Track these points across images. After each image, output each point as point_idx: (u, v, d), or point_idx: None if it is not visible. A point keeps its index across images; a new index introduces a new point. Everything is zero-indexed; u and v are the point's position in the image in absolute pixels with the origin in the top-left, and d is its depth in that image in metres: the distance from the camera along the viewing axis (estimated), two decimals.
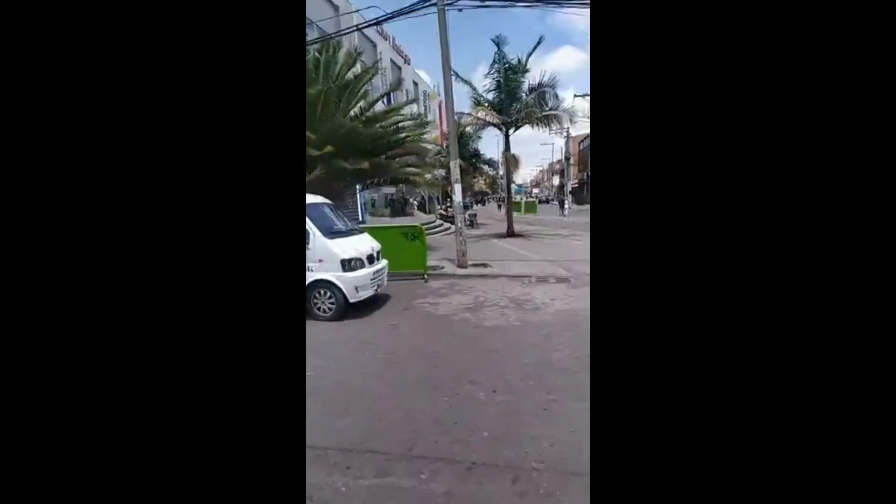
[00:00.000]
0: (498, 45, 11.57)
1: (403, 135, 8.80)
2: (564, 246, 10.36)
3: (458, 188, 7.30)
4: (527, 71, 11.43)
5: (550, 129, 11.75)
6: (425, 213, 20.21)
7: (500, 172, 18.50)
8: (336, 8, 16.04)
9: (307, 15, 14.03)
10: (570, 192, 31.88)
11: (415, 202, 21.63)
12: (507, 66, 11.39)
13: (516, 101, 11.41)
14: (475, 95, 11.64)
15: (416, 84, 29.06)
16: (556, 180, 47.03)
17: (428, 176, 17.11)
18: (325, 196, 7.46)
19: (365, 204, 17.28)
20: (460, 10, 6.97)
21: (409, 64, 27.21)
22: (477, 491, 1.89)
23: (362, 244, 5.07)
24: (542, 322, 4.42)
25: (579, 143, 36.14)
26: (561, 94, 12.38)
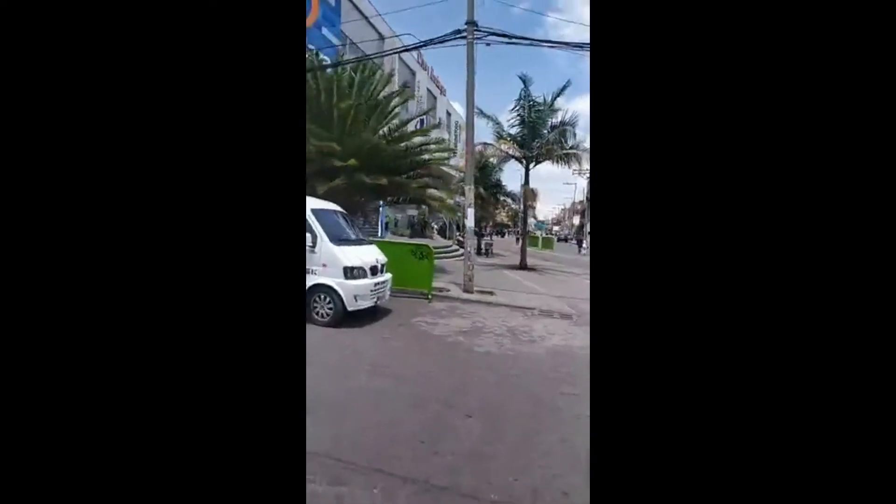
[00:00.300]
0: (524, 81, 11.93)
1: (426, 157, 9.00)
2: (575, 284, 10.18)
3: (470, 213, 7.36)
4: (555, 110, 11.67)
5: (570, 167, 11.86)
6: (444, 237, 20.36)
7: (530, 207, 18.64)
8: (381, 35, 16.92)
9: (350, 36, 14.85)
10: (588, 233, 31.69)
11: (435, 226, 21.86)
12: (531, 103, 11.67)
13: (538, 138, 11.59)
14: (498, 129, 11.91)
15: (448, 114, 29.96)
16: (576, 220, 46.90)
17: (450, 202, 17.39)
18: (345, 207, 7.67)
19: (387, 222, 17.57)
20: (488, 44, 7.25)
21: (444, 95, 28.20)
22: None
23: (367, 255, 5.13)
24: (534, 355, 4.31)
25: None
26: (582, 135, 12.57)
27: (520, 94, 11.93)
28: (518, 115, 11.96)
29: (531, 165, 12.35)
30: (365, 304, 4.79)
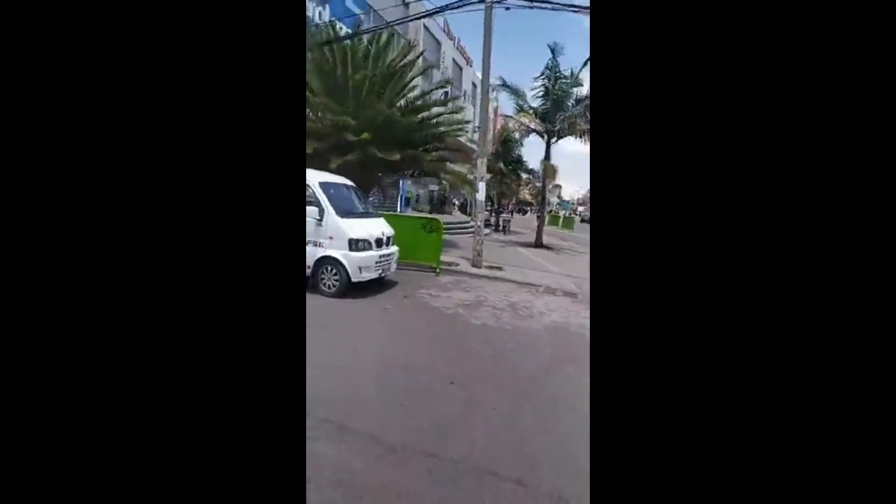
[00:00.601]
0: (553, 51, 11.46)
1: (441, 129, 8.93)
2: (587, 263, 10.06)
3: (481, 186, 7.34)
4: (579, 84, 11.23)
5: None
6: (465, 213, 20.34)
7: (549, 183, 18.25)
8: (404, 1, 16.49)
9: (373, 4, 14.55)
10: None
11: (456, 202, 21.80)
12: (557, 74, 11.24)
13: (562, 111, 11.23)
14: (519, 102, 11.58)
15: (474, 86, 29.14)
16: None
17: (471, 176, 17.24)
18: (359, 181, 7.78)
19: (408, 197, 17.66)
20: (507, 8, 6.99)
21: (470, 66, 27.40)
22: (384, 473, 1.91)
23: (374, 227, 5.26)
24: (529, 329, 4.40)
25: None
26: None
27: (546, 65, 11.52)
28: (542, 86, 11.59)
29: (553, 140, 12.03)
30: (369, 275, 4.96)
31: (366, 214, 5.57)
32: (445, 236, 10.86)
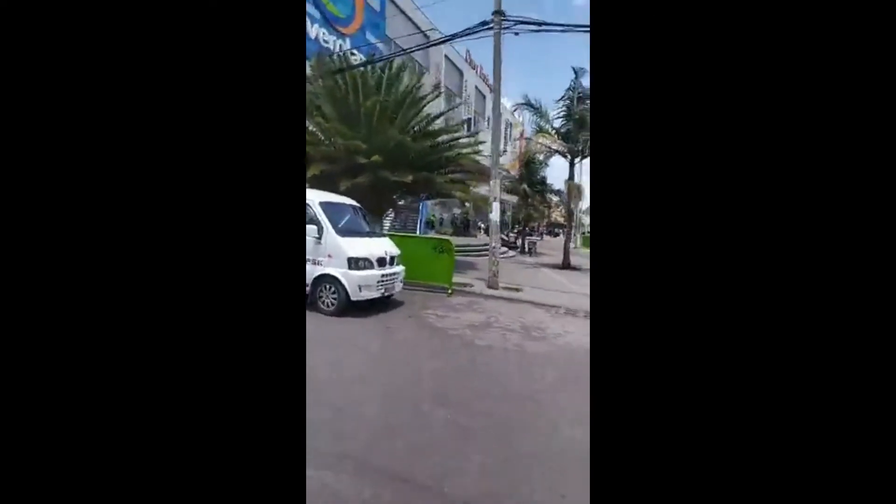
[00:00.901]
0: (576, 73, 11.36)
1: (455, 152, 8.89)
2: None
3: (496, 206, 7.12)
4: None
5: None
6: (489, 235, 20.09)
7: (574, 204, 17.78)
8: (424, 33, 17.10)
9: (389, 33, 15.18)
10: None
11: (481, 224, 21.63)
12: (580, 94, 11.07)
13: (584, 131, 10.97)
14: (539, 122, 11.47)
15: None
16: None
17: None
18: (371, 204, 7.79)
19: (431, 220, 17.70)
20: (516, 33, 6.98)
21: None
22: (344, 488, 1.74)
23: (376, 247, 5.14)
24: (537, 351, 4.03)
25: None
26: None
27: (569, 86, 11.43)
28: (565, 106, 11.45)
29: (577, 160, 11.75)
30: (370, 294, 4.79)
31: (369, 234, 5.48)
32: (467, 258, 10.74)
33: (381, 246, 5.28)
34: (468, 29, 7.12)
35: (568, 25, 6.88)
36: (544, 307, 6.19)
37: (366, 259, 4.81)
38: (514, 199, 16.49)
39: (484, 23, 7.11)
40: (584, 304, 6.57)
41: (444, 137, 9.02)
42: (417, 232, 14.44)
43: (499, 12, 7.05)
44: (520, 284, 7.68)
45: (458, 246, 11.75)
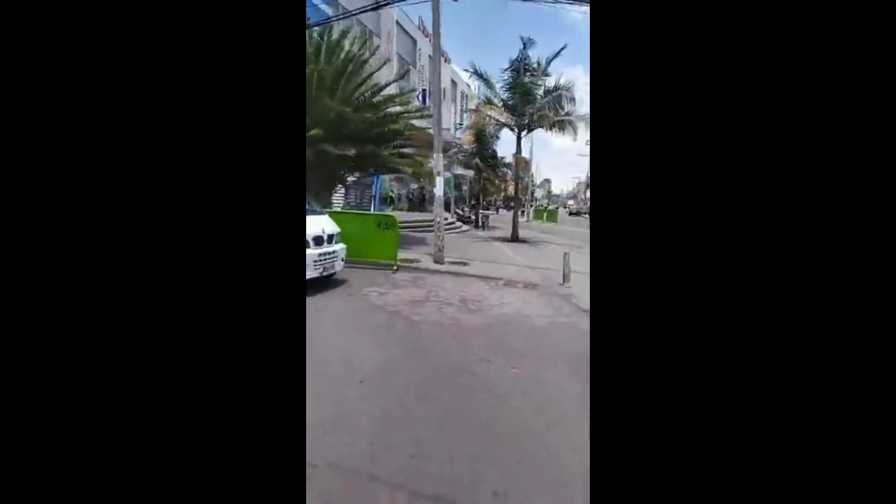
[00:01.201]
0: (524, 44, 11.29)
1: (402, 125, 8.71)
2: (560, 255, 9.92)
3: (439, 181, 7.14)
4: (548, 75, 11.07)
5: (565, 135, 11.29)
6: (448, 211, 20.14)
7: (523, 176, 18.00)
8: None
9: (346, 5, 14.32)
10: None
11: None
12: (526, 66, 11.07)
13: (531, 104, 11.05)
14: (487, 94, 11.40)
15: (454, 83, 29.07)
16: (589, 193, 45.84)
17: (447, 174, 16.96)
18: (317, 180, 7.52)
19: (389, 196, 17.35)
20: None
21: (448, 63, 27.27)
22: None
23: (312, 225, 5.02)
24: (471, 323, 4.19)
25: None
26: (581, 100, 11.95)
27: (517, 57, 11.34)
28: (511, 78, 11.39)
29: (524, 133, 11.87)
30: (307, 274, 4.71)
31: (306, 212, 5.33)
32: (421, 234, 10.72)
33: (318, 224, 5.17)
34: None
35: None
36: (486, 280, 6.39)
37: None
38: (470, 173, 16.53)
39: None
40: (525, 275, 6.84)
41: (393, 109, 8.79)
42: (372, 209, 14.17)
43: None
44: (467, 258, 7.84)
45: (413, 221, 11.75)
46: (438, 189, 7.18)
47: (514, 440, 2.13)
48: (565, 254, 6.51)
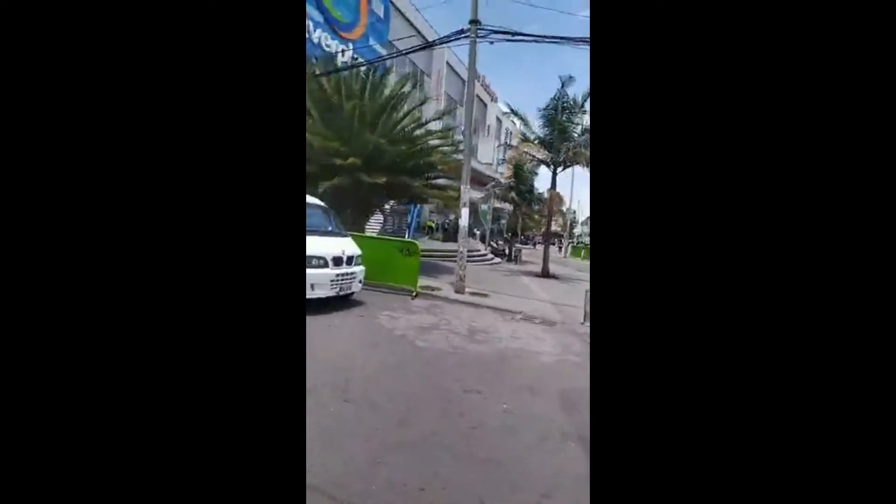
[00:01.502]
0: (563, 83, 11.51)
1: (436, 158, 9.08)
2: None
3: (465, 211, 7.28)
4: (584, 112, 11.14)
5: None
6: (484, 242, 20.21)
7: (555, 212, 17.86)
8: (423, 36, 17.32)
9: (391, 37, 15.42)
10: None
11: (477, 231, 21.73)
12: (564, 104, 11.23)
13: (567, 140, 11.12)
14: (524, 131, 11.62)
15: (499, 120, 29.86)
16: None
17: (483, 207, 17.14)
18: (353, 205, 7.94)
19: (429, 225, 17.75)
20: (491, 42, 7.17)
21: (495, 101, 28.17)
22: None
23: (333, 246, 5.28)
24: (475, 353, 4.15)
25: None
26: None
27: (554, 95, 11.58)
28: (548, 115, 11.59)
29: (559, 170, 11.89)
30: (323, 293, 4.93)
31: (330, 233, 5.62)
32: (450, 264, 10.81)
33: (340, 245, 5.42)
34: (444, 37, 7.33)
35: (537, 36, 7.06)
36: (503, 313, 6.30)
37: (320, 257, 4.96)
38: (509, 207, 16.66)
39: (460, 31, 7.32)
40: (545, 311, 6.68)
41: (432, 142, 9.22)
42: (407, 236, 14.59)
43: (474, 21, 7.25)
44: (490, 290, 7.80)
45: (444, 251, 11.92)
46: (463, 219, 7.32)
47: (495, 464, 2.08)
48: (586, 291, 6.32)
